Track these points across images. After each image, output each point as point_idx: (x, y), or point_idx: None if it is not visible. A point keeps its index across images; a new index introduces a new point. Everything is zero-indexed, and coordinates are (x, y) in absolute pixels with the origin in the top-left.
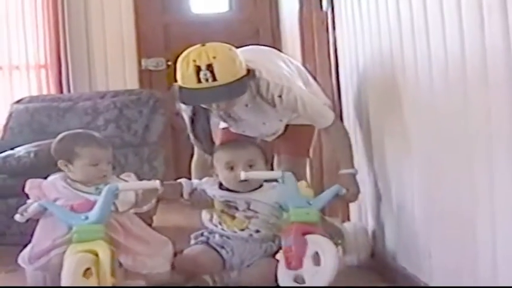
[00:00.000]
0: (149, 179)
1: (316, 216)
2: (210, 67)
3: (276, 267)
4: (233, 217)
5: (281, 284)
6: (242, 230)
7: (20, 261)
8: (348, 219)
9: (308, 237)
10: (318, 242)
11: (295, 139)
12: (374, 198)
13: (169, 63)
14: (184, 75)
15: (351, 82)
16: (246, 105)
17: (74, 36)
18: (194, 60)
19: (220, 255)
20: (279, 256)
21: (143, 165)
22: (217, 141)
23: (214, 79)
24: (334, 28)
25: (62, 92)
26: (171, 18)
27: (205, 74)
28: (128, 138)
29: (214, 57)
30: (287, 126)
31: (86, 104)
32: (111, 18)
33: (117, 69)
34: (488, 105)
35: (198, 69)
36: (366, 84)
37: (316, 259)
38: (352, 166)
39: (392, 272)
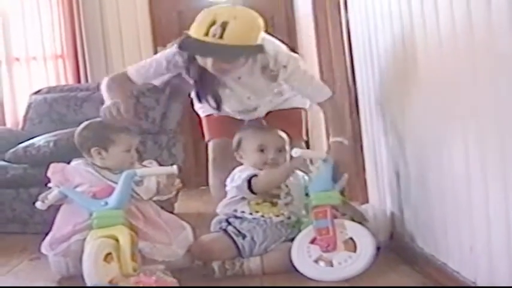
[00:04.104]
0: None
1: (338, 199)
2: (224, 24)
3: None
4: (274, 204)
5: (299, 267)
6: (277, 216)
7: (42, 249)
8: (367, 202)
9: (345, 222)
10: (355, 229)
11: (287, 122)
12: (392, 180)
13: None
14: (197, 25)
15: (365, 62)
16: (239, 78)
17: (90, 25)
18: (215, 14)
19: (236, 244)
20: (296, 240)
21: (162, 153)
22: (205, 129)
23: (221, 37)
24: (346, 10)
25: (79, 81)
26: (185, 6)
27: (215, 30)
28: (146, 126)
29: (234, 18)
30: (275, 111)
31: None
32: (125, 7)
33: (133, 57)
34: (495, 78)
35: (212, 24)
36: (379, 64)
37: (349, 245)
38: (342, 135)
39: (410, 252)
